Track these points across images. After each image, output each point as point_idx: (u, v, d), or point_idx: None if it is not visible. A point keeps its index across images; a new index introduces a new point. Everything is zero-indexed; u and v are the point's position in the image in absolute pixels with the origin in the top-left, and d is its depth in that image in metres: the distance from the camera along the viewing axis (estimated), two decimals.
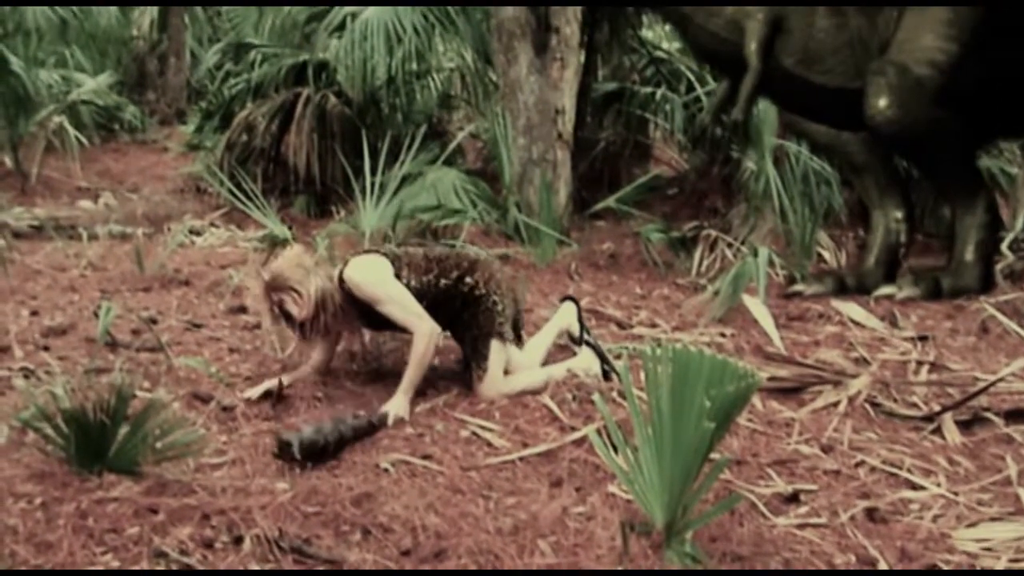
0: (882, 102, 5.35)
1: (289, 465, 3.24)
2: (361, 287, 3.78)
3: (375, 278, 3.80)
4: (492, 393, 3.83)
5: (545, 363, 4.15)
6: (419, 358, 3.74)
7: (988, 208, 5.63)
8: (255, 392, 3.80)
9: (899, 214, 5.86)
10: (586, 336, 4.26)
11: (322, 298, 3.74)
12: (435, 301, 3.85)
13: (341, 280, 3.82)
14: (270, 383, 3.83)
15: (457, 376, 4.15)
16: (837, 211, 7.14)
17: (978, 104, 5.47)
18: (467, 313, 3.91)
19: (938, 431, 3.77)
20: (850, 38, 5.56)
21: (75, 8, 12.38)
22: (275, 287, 3.75)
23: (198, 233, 7.19)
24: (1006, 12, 5.34)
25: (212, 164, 8.16)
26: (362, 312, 3.87)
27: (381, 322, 3.90)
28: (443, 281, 3.88)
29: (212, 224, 7.50)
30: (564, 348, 4.32)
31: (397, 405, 3.68)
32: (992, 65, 5.39)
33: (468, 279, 3.91)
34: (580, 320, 4.32)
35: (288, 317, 3.78)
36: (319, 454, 3.28)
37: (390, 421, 3.61)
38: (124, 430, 3.04)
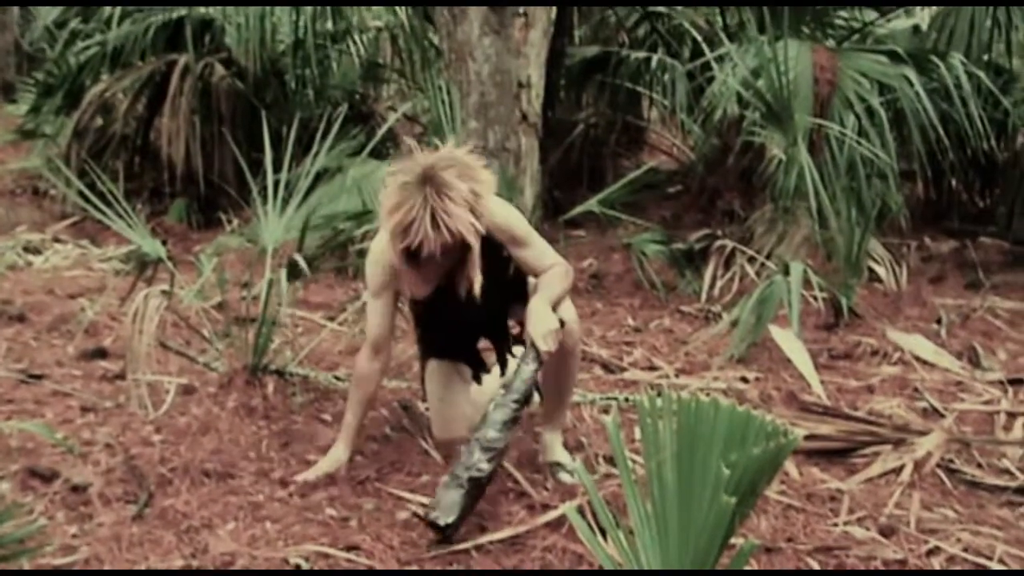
0: None
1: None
2: (512, 225, 3.82)
3: (519, 215, 3.90)
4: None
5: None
6: (563, 280, 3.81)
7: None
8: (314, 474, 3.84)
9: None
10: None
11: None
12: None
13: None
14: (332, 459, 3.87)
15: (392, 441, 4.15)
16: (895, 212, 7.23)
17: None
18: None
19: None
20: None
21: None
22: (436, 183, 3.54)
23: (36, 251, 7.14)
24: None
25: (55, 157, 8.11)
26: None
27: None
28: None
29: (56, 239, 7.45)
30: None
31: (543, 321, 3.66)
32: None
33: None
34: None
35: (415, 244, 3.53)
36: (480, 493, 3.44)
37: (552, 345, 3.63)
38: None
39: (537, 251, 3.85)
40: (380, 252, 3.79)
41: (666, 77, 8.60)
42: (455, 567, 3.30)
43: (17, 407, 4.40)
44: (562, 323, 3.71)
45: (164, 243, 5.31)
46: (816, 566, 3.37)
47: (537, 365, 3.63)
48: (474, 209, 3.56)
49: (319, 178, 6.56)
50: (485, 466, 3.41)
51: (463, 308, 3.81)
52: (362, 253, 6.39)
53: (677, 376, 5.03)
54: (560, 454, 3.99)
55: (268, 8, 7.96)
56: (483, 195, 3.61)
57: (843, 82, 6.95)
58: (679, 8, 9.49)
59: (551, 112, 7.95)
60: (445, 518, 3.31)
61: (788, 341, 5.06)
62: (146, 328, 4.43)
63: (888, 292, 6.57)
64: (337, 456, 3.88)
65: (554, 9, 7.39)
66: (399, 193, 3.55)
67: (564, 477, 3.91)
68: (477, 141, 7.03)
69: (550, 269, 3.81)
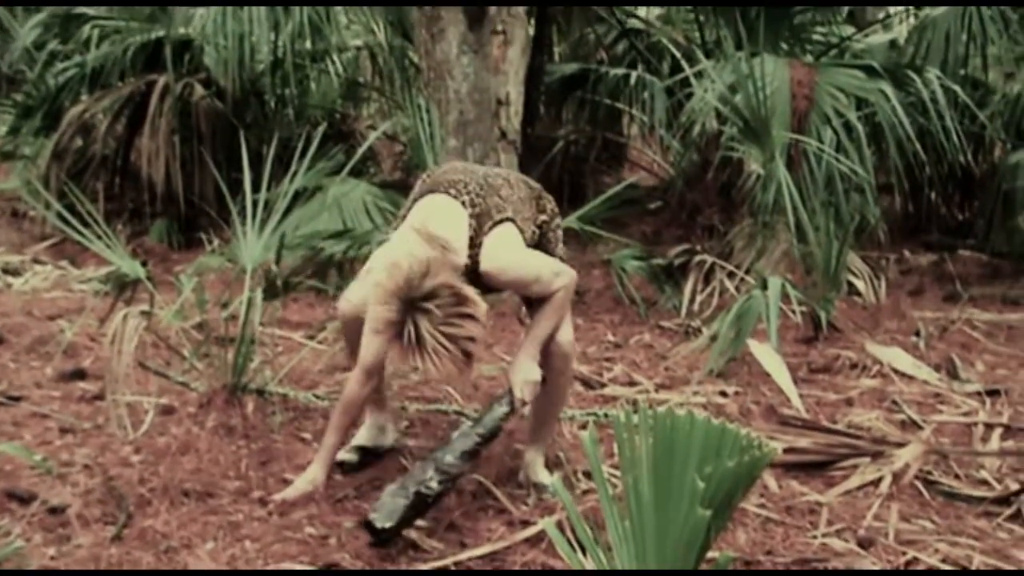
0: None
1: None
2: (507, 272, 3.80)
3: (519, 256, 3.84)
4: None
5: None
6: (559, 311, 3.81)
7: None
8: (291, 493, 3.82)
9: None
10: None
11: None
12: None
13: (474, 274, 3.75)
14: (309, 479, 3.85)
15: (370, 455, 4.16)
16: (873, 226, 7.25)
17: None
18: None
19: (1017, 517, 3.82)
20: None
21: None
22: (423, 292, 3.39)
23: (15, 272, 7.13)
24: None
25: (34, 178, 8.09)
26: None
27: None
28: (541, 217, 4.10)
29: (35, 260, 7.43)
30: None
31: (525, 371, 3.71)
32: None
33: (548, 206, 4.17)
34: None
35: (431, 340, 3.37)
36: (424, 510, 3.44)
37: (528, 396, 3.69)
38: None
39: (542, 285, 3.81)
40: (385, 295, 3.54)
41: (645, 93, 8.63)
42: None
43: None
44: (545, 380, 3.74)
45: (144, 264, 5.32)
46: None
47: (509, 409, 3.68)
48: (457, 353, 3.38)
49: (299, 197, 6.58)
50: (435, 486, 3.43)
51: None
52: (342, 269, 6.41)
53: (657, 391, 5.04)
54: (541, 474, 3.98)
55: (247, 28, 7.94)
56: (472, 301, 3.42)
57: (820, 97, 6.98)
58: (657, 25, 9.54)
59: (531, 129, 7.95)
60: (383, 522, 3.33)
61: (767, 355, 5.08)
62: (125, 349, 4.42)
63: (867, 305, 6.59)
64: (314, 476, 3.86)
65: (532, 26, 7.41)
66: (387, 303, 3.40)
67: (547, 497, 3.91)
68: (456, 159, 7.04)
69: (552, 296, 3.79)
